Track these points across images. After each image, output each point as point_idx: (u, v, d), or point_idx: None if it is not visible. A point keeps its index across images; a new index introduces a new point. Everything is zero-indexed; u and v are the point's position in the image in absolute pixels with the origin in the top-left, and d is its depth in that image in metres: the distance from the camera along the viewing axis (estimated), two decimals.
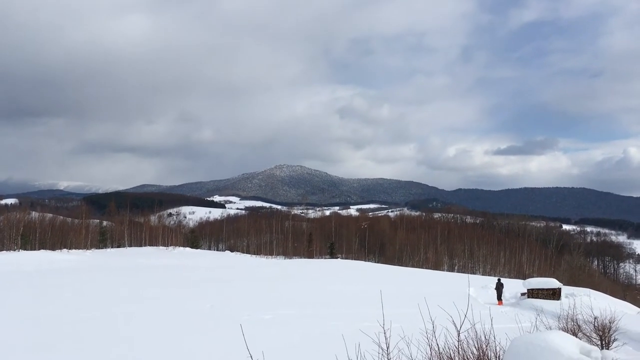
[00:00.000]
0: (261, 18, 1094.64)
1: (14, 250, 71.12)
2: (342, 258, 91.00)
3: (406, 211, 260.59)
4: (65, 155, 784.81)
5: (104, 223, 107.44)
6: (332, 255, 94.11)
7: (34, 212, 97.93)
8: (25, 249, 74.05)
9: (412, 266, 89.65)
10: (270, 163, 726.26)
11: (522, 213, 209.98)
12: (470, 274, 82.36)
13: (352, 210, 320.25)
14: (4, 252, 67.74)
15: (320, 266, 65.18)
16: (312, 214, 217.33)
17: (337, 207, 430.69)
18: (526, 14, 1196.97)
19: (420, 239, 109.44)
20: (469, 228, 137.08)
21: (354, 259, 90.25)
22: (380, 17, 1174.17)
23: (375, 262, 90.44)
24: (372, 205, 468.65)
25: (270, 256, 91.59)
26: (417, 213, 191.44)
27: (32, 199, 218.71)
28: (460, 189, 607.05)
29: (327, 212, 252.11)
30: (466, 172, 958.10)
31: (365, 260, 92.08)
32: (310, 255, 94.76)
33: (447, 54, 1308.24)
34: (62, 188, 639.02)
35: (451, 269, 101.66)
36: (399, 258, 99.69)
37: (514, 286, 42.46)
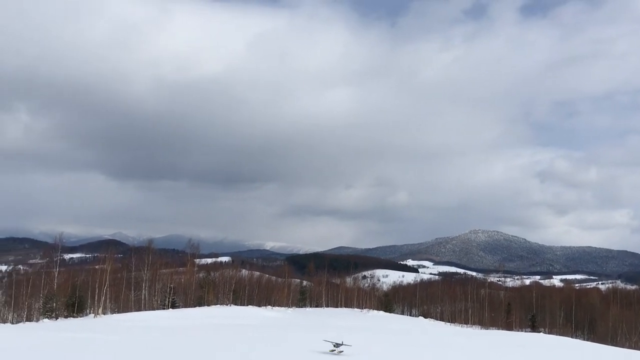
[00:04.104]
0: (458, 84, 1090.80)
1: (227, 304, 78.55)
2: (544, 332, 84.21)
3: (620, 284, 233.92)
4: (272, 217, 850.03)
5: (304, 283, 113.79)
6: (534, 328, 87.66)
7: (243, 270, 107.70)
8: (235, 304, 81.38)
9: (630, 347, 79.38)
10: (465, 228, 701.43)
11: None
12: None
13: (556, 281, 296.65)
14: (218, 305, 75.28)
15: (522, 340, 60.98)
16: (510, 282, 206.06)
17: (538, 277, 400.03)
18: None
19: (638, 317, 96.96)
20: None
21: (559, 334, 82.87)
22: (587, 76, 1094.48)
23: (583, 340, 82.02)
24: (578, 276, 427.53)
25: (465, 325, 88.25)
26: (634, 287, 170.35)
27: (243, 258, 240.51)
28: None
29: (527, 281, 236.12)
30: None
31: (572, 337, 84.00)
32: (509, 326, 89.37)
33: None
34: (268, 248, 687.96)
35: None
36: (612, 337, 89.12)
37: None
